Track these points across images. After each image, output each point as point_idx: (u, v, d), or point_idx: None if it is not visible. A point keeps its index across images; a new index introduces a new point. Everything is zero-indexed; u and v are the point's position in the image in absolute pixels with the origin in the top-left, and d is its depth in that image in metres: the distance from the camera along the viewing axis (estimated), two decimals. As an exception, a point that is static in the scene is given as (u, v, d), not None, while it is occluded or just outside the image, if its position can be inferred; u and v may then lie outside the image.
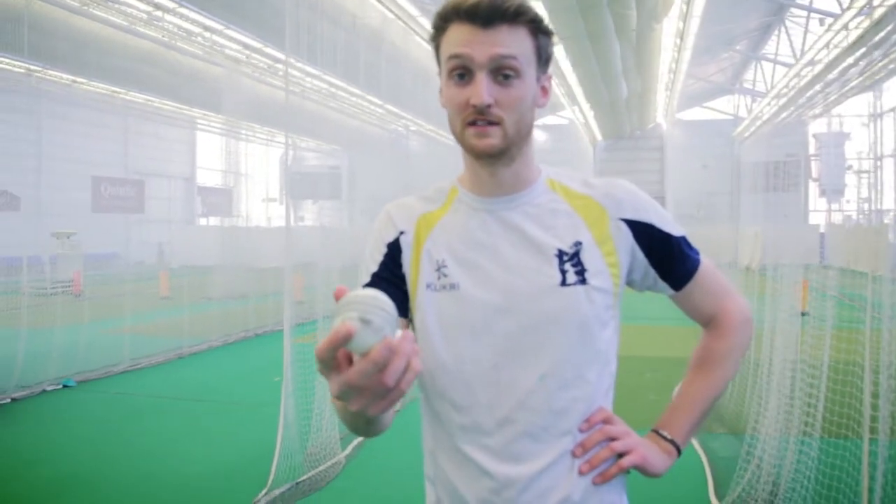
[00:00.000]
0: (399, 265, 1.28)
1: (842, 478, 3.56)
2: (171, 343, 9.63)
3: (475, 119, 1.16)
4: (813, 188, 31.83)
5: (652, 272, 1.29)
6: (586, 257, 1.21)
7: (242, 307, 11.96)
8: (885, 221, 23.95)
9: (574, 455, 1.20)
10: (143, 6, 16.04)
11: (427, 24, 16.02)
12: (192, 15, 17.04)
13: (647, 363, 8.09)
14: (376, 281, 1.28)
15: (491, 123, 1.16)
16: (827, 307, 4.21)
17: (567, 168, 1.35)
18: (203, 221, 34.11)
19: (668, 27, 18.01)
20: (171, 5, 16.32)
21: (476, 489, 1.20)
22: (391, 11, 14.82)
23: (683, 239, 1.30)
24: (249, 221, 23.39)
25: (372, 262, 1.30)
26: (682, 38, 18.61)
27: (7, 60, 19.10)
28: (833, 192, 29.18)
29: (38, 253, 18.03)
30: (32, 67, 19.79)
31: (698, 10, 16.72)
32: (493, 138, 1.16)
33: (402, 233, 1.29)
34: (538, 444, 1.18)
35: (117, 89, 23.91)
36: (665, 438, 1.30)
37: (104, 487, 4.67)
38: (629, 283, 1.30)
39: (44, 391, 7.25)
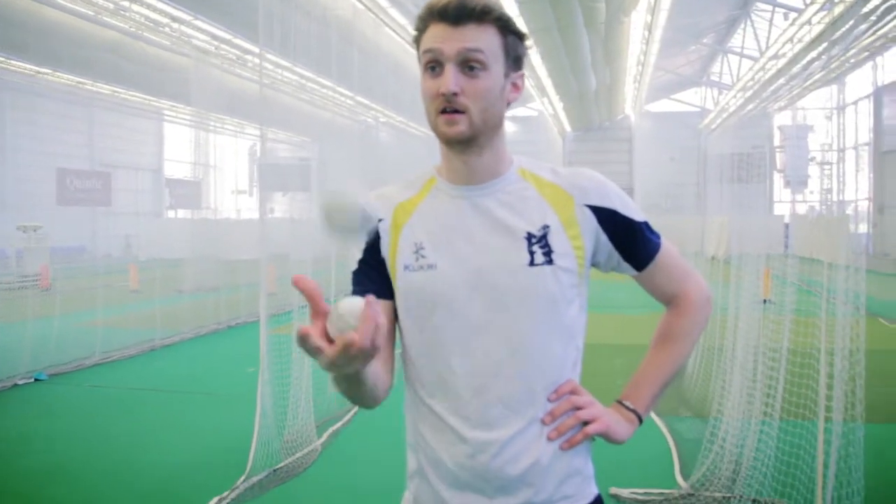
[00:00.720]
0: (378, 251, 1.39)
1: (800, 455, 3.72)
2: (142, 335, 9.61)
3: (445, 107, 1.27)
4: (777, 179, 32.40)
5: (616, 254, 1.40)
6: (553, 240, 1.32)
7: (214, 299, 11.92)
8: (847, 212, 24.50)
9: (543, 423, 1.31)
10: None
11: (397, 16, 16.08)
12: (160, 5, 16.86)
13: (616, 350, 8.25)
14: (363, 266, 1.39)
15: (458, 112, 1.26)
16: (786, 294, 4.38)
17: (537, 158, 1.46)
18: (171, 214, 33.74)
19: (637, 19, 18.21)
20: (139, -5, 16.16)
21: (453, 454, 1.31)
22: (361, 3, 14.82)
23: (645, 224, 1.41)
24: (218, 214, 23.21)
25: (357, 250, 1.41)
26: (650, 31, 18.85)
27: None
28: (797, 183, 29.75)
29: (3, 247, 17.78)
30: (-5, 57, 19.47)
31: (666, 3, 16.94)
32: (461, 125, 1.27)
33: (380, 220, 1.39)
34: (510, 412, 1.29)
35: (83, 80, 23.56)
36: (628, 408, 1.41)
37: (83, 478, 4.69)
38: (595, 264, 1.41)
39: (15, 385, 7.21)
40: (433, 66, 1.28)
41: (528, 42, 1.35)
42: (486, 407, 1.29)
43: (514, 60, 1.33)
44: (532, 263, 1.30)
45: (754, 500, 3.93)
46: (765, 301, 5.49)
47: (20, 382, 7.29)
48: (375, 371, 1.26)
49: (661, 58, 23.27)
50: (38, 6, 15.87)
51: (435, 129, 1.31)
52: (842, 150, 28.57)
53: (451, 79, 1.25)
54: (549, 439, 1.31)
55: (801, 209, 29.49)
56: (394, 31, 16.44)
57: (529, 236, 1.32)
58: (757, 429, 4.14)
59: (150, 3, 16.65)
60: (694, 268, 1.51)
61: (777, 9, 21.78)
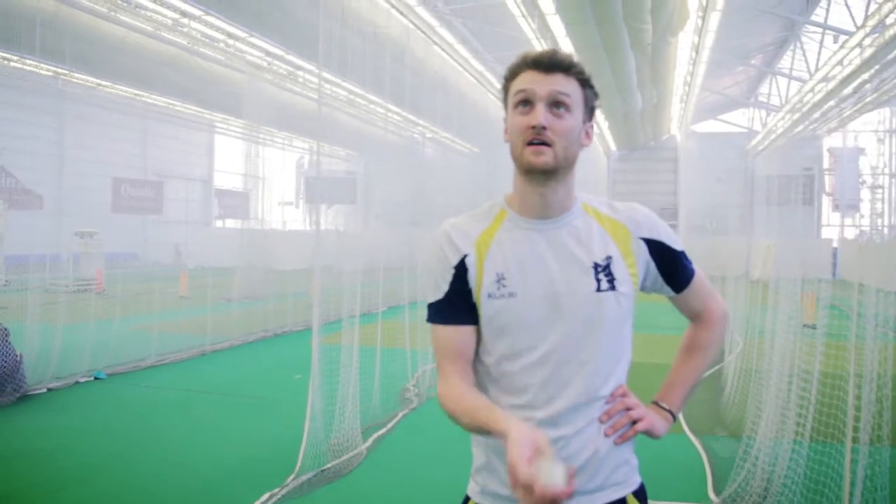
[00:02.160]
0: (465, 282, 1.59)
1: (828, 474, 3.84)
2: (194, 340, 9.99)
3: (533, 139, 1.49)
4: (826, 203, 31.87)
5: (660, 279, 1.66)
6: (615, 269, 1.57)
7: (262, 308, 12.27)
8: (898, 237, 23.96)
9: (600, 421, 1.55)
10: (169, 13, 16.48)
11: (446, 35, 16.41)
12: (217, 22, 17.44)
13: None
14: (450, 298, 1.59)
15: (545, 144, 1.49)
16: (824, 317, 4.48)
17: (593, 193, 1.71)
18: (219, 223, 34.50)
19: (684, 41, 18.21)
20: (198, 13, 16.75)
21: None
22: (412, 22, 15.17)
23: (683, 253, 1.67)
24: (265, 224, 23.68)
25: (443, 282, 1.60)
26: (697, 52, 18.80)
27: (34, 63, 19.52)
28: (847, 207, 29.25)
29: (60, 251, 18.46)
30: (59, 70, 20.23)
31: (714, 24, 16.89)
32: (547, 156, 1.49)
33: (465, 255, 1.60)
34: (575, 414, 1.53)
35: (139, 92, 24.36)
36: (663, 408, 1.69)
37: (137, 472, 4.99)
38: (641, 287, 1.66)
39: (77, 382, 7.61)
40: (524, 102, 1.51)
41: (598, 101, 1.60)
42: (556, 412, 1.52)
43: (590, 111, 1.57)
44: (598, 290, 1.54)
45: (784, 518, 4.04)
46: (806, 325, 5.55)
47: (81, 380, 7.70)
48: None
49: (707, 78, 23.13)
50: (103, 23, 16.54)
51: (520, 159, 1.53)
52: (894, 174, 27.99)
53: (541, 114, 1.48)
54: (606, 435, 1.55)
55: (850, 234, 28.92)
56: (442, 49, 16.74)
57: (595, 266, 1.55)
58: (788, 449, 4.25)
59: (207, 20, 17.25)
60: (715, 289, 1.76)
61: (827, 31, 21.56)
